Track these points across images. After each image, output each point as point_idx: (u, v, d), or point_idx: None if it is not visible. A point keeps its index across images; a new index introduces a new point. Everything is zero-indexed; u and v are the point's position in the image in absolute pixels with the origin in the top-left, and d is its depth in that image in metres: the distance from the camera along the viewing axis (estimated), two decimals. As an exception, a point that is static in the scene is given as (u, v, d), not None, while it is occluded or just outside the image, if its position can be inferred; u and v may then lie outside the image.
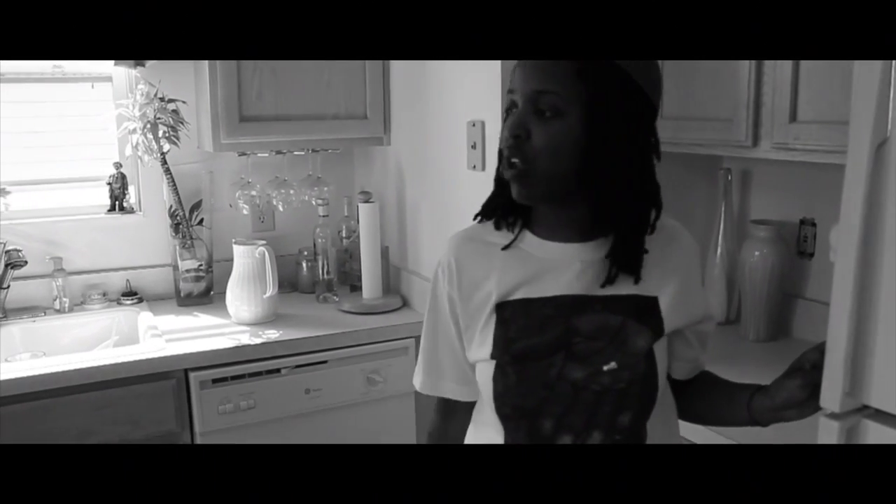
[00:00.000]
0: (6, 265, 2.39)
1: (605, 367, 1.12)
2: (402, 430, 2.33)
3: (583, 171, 1.08)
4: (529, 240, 1.18)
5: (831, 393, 1.04)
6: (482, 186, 2.07)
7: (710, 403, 1.26)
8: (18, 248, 2.42)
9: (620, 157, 1.08)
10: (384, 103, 2.59)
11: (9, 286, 2.42)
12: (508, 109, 1.13)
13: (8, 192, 2.53)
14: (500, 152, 1.15)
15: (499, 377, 1.15)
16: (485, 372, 1.18)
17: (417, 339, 2.30)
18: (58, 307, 2.50)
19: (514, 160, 1.09)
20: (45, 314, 2.48)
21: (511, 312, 1.15)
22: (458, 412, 1.28)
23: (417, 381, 1.30)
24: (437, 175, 2.36)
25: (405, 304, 2.57)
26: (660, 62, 1.14)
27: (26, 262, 2.41)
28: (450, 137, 2.25)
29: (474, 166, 2.11)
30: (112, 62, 2.47)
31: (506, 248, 1.18)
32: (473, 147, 2.09)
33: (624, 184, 1.09)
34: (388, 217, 2.68)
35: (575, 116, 1.06)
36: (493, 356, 1.15)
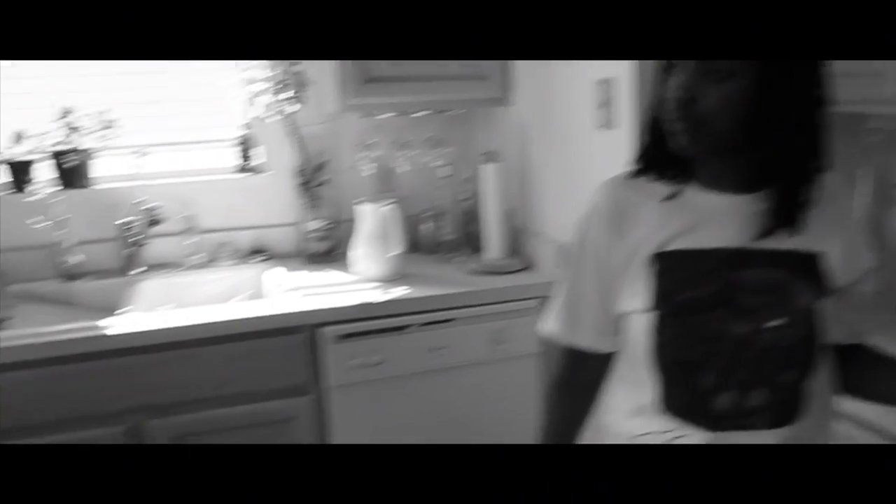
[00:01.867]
0: (146, 222, 2.49)
1: (771, 324, 1.09)
2: (525, 390, 2.32)
3: (752, 127, 1.05)
4: (691, 189, 1.15)
5: None
6: (610, 146, 2.04)
7: (875, 378, 1.21)
8: (157, 205, 2.52)
9: (791, 116, 1.05)
10: (507, 63, 2.56)
11: (147, 243, 2.53)
12: (669, 65, 1.09)
13: (144, 154, 2.63)
14: (661, 106, 1.12)
15: (659, 329, 1.14)
16: (639, 324, 1.16)
17: (543, 299, 2.30)
18: (191, 264, 2.59)
19: (681, 122, 1.07)
20: (179, 270, 2.58)
21: (669, 263, 1.13)
22: (589, 361, 1.28)
23: (553, 328, 1.29)
24: (563, 135, 2.33)
25: (529, 265, 2.55)
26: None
27: (164, 220, 2.51)
28: (576, 96, 2.20)
29: (602, 125, 2.06)
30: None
31: (667, 198, 1.15)
32: (602, 106, 2.05)
33: (792, 140, 1.07)
34: (511, 178, 2.67)
35: (748, 77, 1.03)
36: (651, 307, 1.13)
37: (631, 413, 1.21)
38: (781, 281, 1.10)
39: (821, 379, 1.16)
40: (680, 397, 1.15)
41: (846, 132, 2.16)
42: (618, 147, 1.97)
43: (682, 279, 1.12)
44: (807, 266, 1.12)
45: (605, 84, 2.03)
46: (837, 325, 1.19)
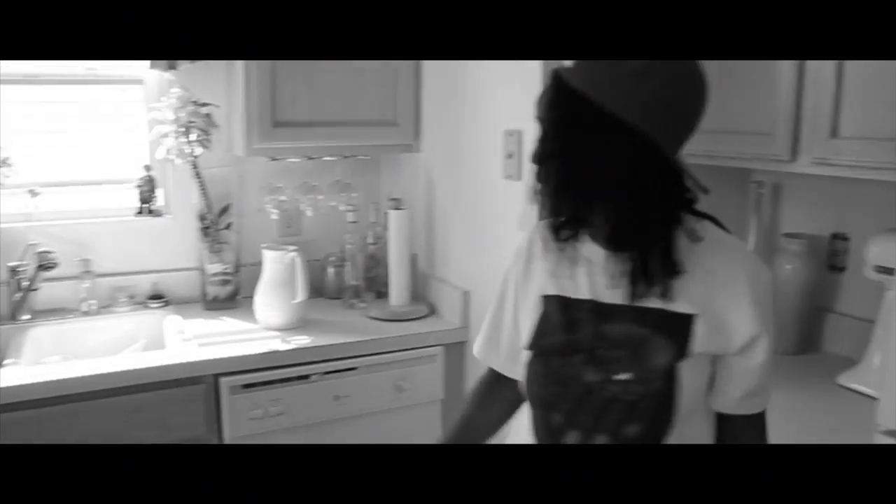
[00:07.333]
0: (37, 266, 2.39)
1: (619, 377, 1.13)
2: (429, 436, 2.31)
3: (590, 187, 1.10)
4: (582, 238, 1.19)
5: (890, 410, 1.03)
6: (517, 196, 2.07)
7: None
8: (50, 249, 2.42)
9: (628, 177, 1.06)
10: (415, 110, 2.59)
11: (38, 288, 2.43)
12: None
13: (38, 194, 2.53)
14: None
15: (529, 365, 1.22)
16: (524, 358, 1.25)
17: (446, 346, 2.33)
18: (85, 309, 2.50)
19: (536, 175, 1.14)
20: (72, 316, 2.48)
21: (548, 308, 1.21)
22: (502, 381, 1.38)
23: (476, 348, 1.40)
24: (470, 183, 2.36)
25: (433, 311, 2.56)
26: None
27: (57, 264, 2.42)
28: (483, 146, 2.24)
29: (510, 176, 2.10)
30: (147, 65, 2.47)
31: (561, 246, 1.19)
32: (510, 157, 2.09)
33: (638, 202, 1.07)
34: (416, 224, 2.68)
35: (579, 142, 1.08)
36: (527, 345, 1.22)
37: (523, 435, 1.28)
38: (640, 337, 1.12)
39: (688, 437, 1.16)
40: (540, 429, 1.22)
41: (735, 185, 2.26)
42: (524, 197, 2.01)
43: (555, 323, 1.18)
44: (671, 326, 1.12)
45: (514, 135, 2.07)
46: (713, 394, 1.19)
